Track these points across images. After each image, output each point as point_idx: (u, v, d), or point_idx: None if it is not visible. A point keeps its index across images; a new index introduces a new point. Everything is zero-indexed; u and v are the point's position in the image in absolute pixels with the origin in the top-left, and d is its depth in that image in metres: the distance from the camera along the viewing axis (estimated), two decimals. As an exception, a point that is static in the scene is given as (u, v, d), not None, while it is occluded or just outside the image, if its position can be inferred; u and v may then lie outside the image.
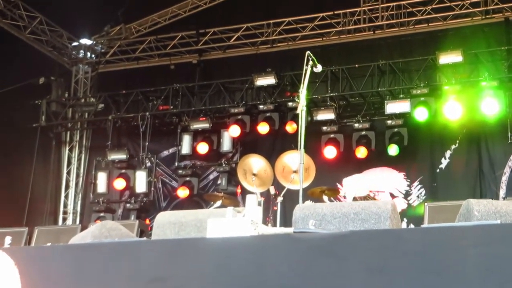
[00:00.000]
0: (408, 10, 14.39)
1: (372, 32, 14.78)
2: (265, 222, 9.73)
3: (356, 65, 13.97)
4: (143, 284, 4.52)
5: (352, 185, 13.54)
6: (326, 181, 12.34)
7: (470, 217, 4.63)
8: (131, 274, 4.62)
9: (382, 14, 14.60)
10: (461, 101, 12.71)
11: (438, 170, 13.38)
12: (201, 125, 14.65)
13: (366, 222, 4.86)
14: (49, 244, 8.28)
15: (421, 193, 13.29)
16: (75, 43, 16.67)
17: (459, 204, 4.91)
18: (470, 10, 13.95)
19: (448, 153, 13.33)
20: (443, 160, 13.34)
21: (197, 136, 14.82)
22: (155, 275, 4.50)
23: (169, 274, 4.49)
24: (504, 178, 12.84)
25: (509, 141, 12.72)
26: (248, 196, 5.08)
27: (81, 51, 16.80)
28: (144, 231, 11.54)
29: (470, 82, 13.03)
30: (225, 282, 4.36)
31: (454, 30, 14.05)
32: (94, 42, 16.67)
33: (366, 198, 11.60)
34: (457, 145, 13.33)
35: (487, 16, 13.87)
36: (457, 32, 13.95)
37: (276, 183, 10.95)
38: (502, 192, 12.76)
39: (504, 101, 12.61)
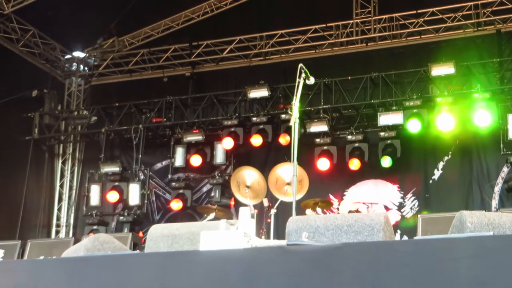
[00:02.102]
0: (400, 22, 14.45)
1: (364, 44, 14.82)
2: (258, 234, 9.71)
3: (349, 77, 13.98)
4: (136, 297, 4.51)
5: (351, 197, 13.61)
6: (320, 193, 12.35)
7: (463, 229, 4.63)
8: (124, 287, 4.61)
9: (375, 26, 14.65)
10: (453, 113, 12.74)
11: (431, 181, 13.40)
12: (194, 137, 14.64)
13: (359, 234, 4.86)
14: (42, 257, 8.26)
15: (414, 204, 13.31)
16: (68, 56, 16.67)
17: (452, 216, 4.91)
18: (462, 22, 14.00)
19: (441, 165, 13.36)
20: (436, 171, 13.37)
21: (191, 148, 14.81)
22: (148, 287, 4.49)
23: (162, 287, 4.47)
24: (497, 189, 12.87)
25: (502, 153, 12.75)
26: (241, 209, 5.08)
27: (74, 63, 16.80)
28: (137, 244, 11.51)
29: (462, 94, 13.07)
30: (218, 295, 4.35)
31: (446, 42, 14.10)
32: (87, 54, 16.68)
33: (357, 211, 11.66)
34: (450, 156, 13.36)
35: (479, 28, 13.92)
36: (449, 44, 14.00)
37: (269, 195, 10.96)
38: (494, 203, 12.80)
39: (497, 112, 12.66)
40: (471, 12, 13.92)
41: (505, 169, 12.82)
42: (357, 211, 11.52)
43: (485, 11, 13.84)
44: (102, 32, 15.67)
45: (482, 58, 13.54)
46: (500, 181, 12.80)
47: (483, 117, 12.53)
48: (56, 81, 16.59)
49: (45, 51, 15.98)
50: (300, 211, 9.93)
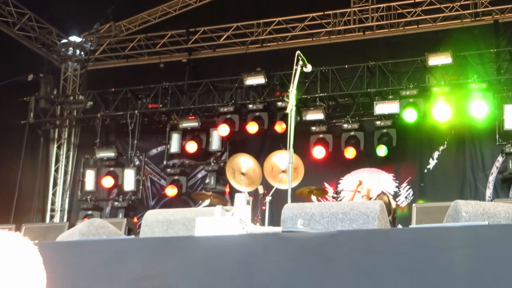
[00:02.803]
0: (398, 11, 14.41)
1: (362, 33, 14.81)
2: (253, 221, 9.71)
3: (346, 66, 13.97)
4: (130, 282, 4.51)
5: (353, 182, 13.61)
6: (315, 181, 12.36)
7: (458, 218, 4.64)
8: (118, 272, 4.61)
9: (372, 15, 14.61)
10: (450, 103, 12.75)
11: (426, 171, 13.42)
12: (190, 124, 14.62)
13: (355, 222, 4.86)
14: (36, 241, 8.25)
15: (409, 193, 13.33)
16: (64, 40, 16.61)
17: (447, 205, 4.92)
18: (460, 12, 13.98)
19: (436, 154, 13.38)
20: (431, 160, 13.38)
21: (186, 135, 14.79)
22: (143, 273, 4.49)
23: (157, 272, 4.48)
24: (491, 179, 12.90)
25: (497, 143, 12.76)
26: (237, 195, 5.08)
27: (70, 48, 16.73)
28: (132, 229, 11.51)
29: (459, 84, 13.07)
30: (213, 281, 4.35)
31: (444, 32, 14.09)
32: (84, 39, 16.62)
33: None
34: (445, 146, 13.37)
35: (476, 19, 13.91)
36: (447, 34, 13.99)
37: (264, 183, 10.95)
38: (488, 193, 12.83)
39: (493, 103, 12.66)
40: (469, 2, 13.90)
41: (500, 159, 12.84)
42: (382, 194, 11.35)
43: (483, 1, 13.82)
44: (98, 17, 15.62)
45: (479, 49, 13.53)
46: (494, 171, 12.83)
47: (479, 107, 12.53)
48: (52, 66, 16.55)
49: (41, 35, 15.92)
50: (295, 199, 9.93)
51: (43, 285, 1.92)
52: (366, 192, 10.99)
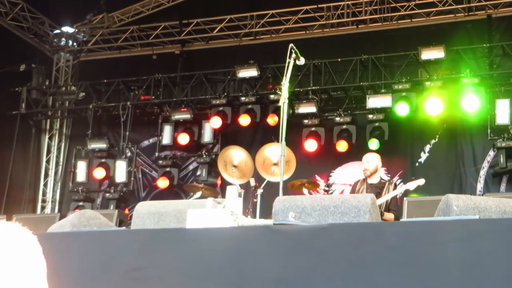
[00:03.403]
0: (391, 5, 14.41)
1: (355, 27, 14.80)
2: (244, 214, 9.72)
3: (339, 59, 13.97)
4: (121, 273, 4.51)
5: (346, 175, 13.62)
6: (306, 174, 12.37)
7: (449, 212, 4.64)
8: (109, 263, 4.61)
9: (366, 8, 14.60)
10: (442, 97, 12.76)
11: (417, 164, 13.44)
12: (183, 115, 14.61)
13: (346, 215, 4.86)
14: (27, 232, 8.22)
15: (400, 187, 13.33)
16: (57, 31, 16.55)
17: (439, 199, 4.93)
18: (453, 7, 13.99)
19: (427, 147, 13.40)
20: (422, 154, 13.40)
21: (178, 126, 14.77)
22: (134, 264, 4.49)
23: (148, 264, 4.47)
24: (482, 173, 12.93)
25: (489, 138, 12.79)
26: (228, 187, 5.09)
27: (63, 39, 16.67)
28: (123, 221, 11.50)
29: (451, 78, 13.09)
30: (204, 273, 4.35)
31: (437, 27, 14.10)
32: (76, 30, 16.56)
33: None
34: (437, 140, 13.39)
35: (470, 13, 13.91)
36: (440, 29, 14.00)
37: (256, 175, 10.94)
38: (479, 187, 12.86)
39: (485, 98, 12.67)
40: (462, -4, 13.93)
41: (491, 153, 12.86)
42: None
43: (476, -4, 13.84)
44: (91, 7, 15.56)
45: (472, 43, 13.54)
46: (486, 165, 12.85)
47: (471, 102, 12.55)
48: (44, 56, 16.49)
49: (34, 25, 15.87)
50: (287, 191, 9.94)
51: (43, 274, 1.92)
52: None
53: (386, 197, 9.63)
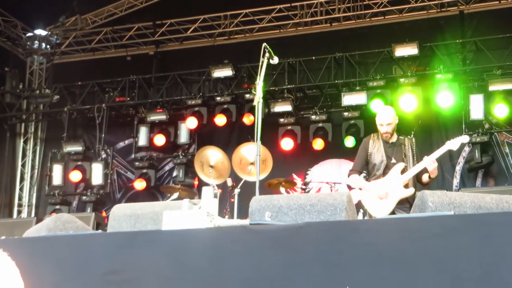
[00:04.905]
0: (364, 2, 14.46)
1: (329, 25, 14.84)
2: (222, 214, 9.71)
3: (313, 57, 14.00)
4: (97, 276, 4.49)
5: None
6: (283, 173, 12.38)
7: (424, 208, 4.68)
8: (85, 266, 4.59)
9: (339, 6, 14.65)
10: (416, 93, 12.82)
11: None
12: (158, 116, 14.58)
13: (322, 214, 4.87)
14: (3, 237, 8.17)
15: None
16: (29, 34, 16.45)
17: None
18: (426, 3, 14.06)
19: (403, 144, 13.43)
20: (398, 150, 13.44)
21: (154, 128, 14.74)
22: (110, 267, 4.47)
23: (124, 267, 4.46)
24: (458, 168, 13.01)
25: (464, 133, 12.84)
26: (204, 188, 5.07)
27: (36, 42, 16.57)
28: (100, 224, 11.47)
29: (425, 74, 13.17)
30: (181, 274, 4.34)
31: (410, 23, 14.16)
32: (49, 33, 16.46)
33: None
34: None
35: (442, 9, 14.00)
36: (413, 25, 14.07)
37: (233, 175, 10.96)
38: (455, 182, 12.93)
39: (459, 93, 12.76)
40: (434, -7, 14.01)
41: (467, 149, 12.94)
42: None
43: (448, -8, 13.92)
44: (64, 10, 15.47)
45: (445, 39, 13.63)
46: (461, 160, 12.93)
47: (445, 97, 12.63)
48: (17, 59, 16.38)
49: (6, 28, 15.75)
50: (264, 191, 9.95)
51: None
52: None
53: (421, 165, 8.20)
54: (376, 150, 8.55)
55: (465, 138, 8.62)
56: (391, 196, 7.94)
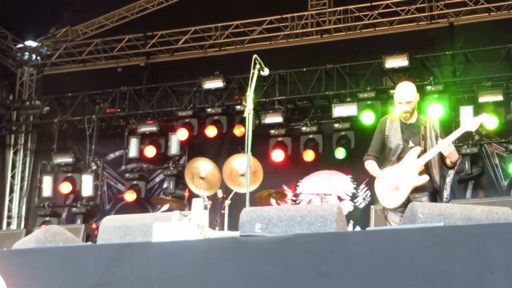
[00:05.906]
0: (355, 14, 14.52)
1: (319, 36, 14.88)
2: (212, 225, 9.70)
3: (304, 69, 14.04)
4: (87, 289, 4.47)
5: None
6: (274, 184, 12.37)
7: (414, 220, 4.68)
8: (74, 279, 4.56)
9: (330, 18, 14.70)
10: (406, 105, 12.84)
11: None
12: (149, 128, 14.57)
13: (313, 225, 4.86)
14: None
15: (367, 195, 13.39)
16: (20, 45, 16.43)
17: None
18: (416, 15, 14.13)
19: (394, 155, 13.45)
20: (387, 161, 13.45)
21: (145, 139, 14.73)
22: (99, 280, 4.44)
23: (114, 279, 4.44)
24: (448, 180, 13.02)
25: (454, 145, 12.86)
26: (194, 200, 5.07)
27: (26, 53, 16.56)
28: (90, 235, 11.43)
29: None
30: (171, 286, 4.33)
31: (400, 35, 14.21)
32: (40, 44, 16.45)
33: None
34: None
35: (432, 21, 14.06)
36: (403, 37, 14.11)
37: (224, 187, 10.94)
38: (446, 194, 12.94)
39: (449, 105, 12.80)
40: (424, 5, 14.06)
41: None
42: None
43: (438, 4, 13.97)
44: (55, 21, 15.46)
45: (435, 51, 13.69)
46: (451, 172, 12.93)
47: (435, 109, 12.65)
48: (7, 71, 16.37)
49: (-4, 40, 15.75)
50: (254, 202, 9.94)
51: None
52: None
53: (436, 149, 7.44)
54: (393, 132, 7.62)
55: (483, 117, 7.60)
56: (403, 186, 7.28)
